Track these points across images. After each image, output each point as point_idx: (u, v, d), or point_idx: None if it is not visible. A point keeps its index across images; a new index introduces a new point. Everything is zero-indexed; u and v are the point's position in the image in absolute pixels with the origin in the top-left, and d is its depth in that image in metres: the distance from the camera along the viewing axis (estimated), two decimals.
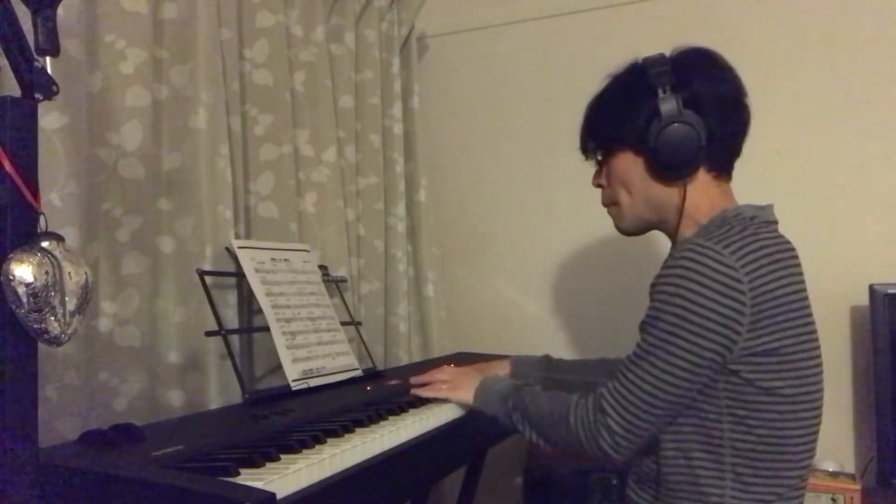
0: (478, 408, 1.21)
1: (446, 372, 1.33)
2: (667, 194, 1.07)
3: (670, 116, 1.01)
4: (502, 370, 1.45)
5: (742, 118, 1.06)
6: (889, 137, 1.75)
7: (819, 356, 1.00)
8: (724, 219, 1.02)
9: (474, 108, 2.24)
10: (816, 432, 1.01)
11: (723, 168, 1.07)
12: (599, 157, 1.14)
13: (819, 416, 1.00)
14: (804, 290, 1.00)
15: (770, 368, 0.94)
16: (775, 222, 1.05)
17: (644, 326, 0.99)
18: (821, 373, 1.00)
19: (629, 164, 1.08)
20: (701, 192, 1.06)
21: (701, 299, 0.92)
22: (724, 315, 0.92)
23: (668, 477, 1.01)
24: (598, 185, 1.16)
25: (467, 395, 1.24)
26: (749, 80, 1.84)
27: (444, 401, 1.26)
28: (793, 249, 1.00)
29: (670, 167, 1.04)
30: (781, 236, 1.01)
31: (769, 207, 1.06)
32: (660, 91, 1.01)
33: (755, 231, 0.97)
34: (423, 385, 1.31)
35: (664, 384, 0.95)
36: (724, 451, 0.96)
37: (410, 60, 2.16)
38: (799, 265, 1.00)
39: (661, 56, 1.05)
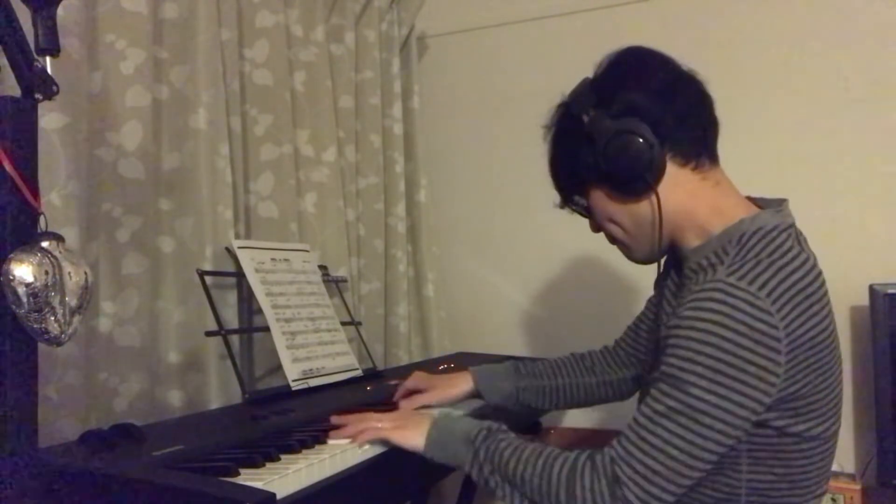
0: (432, 454, 0.98)
1: (378, 416, 1.05)
2: (648, 208, 0.98)
3: (603, 135, 0.94)
4: (464, 385, 1.25)
5: (689, 94, 0.97)
6: (889, 137, 1.75)
7: (840, 383, 0.93)
8: (742, 234, 0.91)
9: (474, 108, 2.24)
10: (833, 459, 0.95)
11: (699, 154, 0.96)
12: (584, 204, 1.06)
13: (836, 443, 0.94)
14: (831, 311, 0.91)
15: (797, 412, 0.87)
16: (793, 223, 0.95)
17: (667, 379, 0.85)
18: (840, 402, 0.93)
19: (600, 198, 1.02)
20: (687, 193, 0.96)
21: (738, 350, 0.81)
22: (762, 367, 0.82)
23: None
24: (596, 231, 1.09)
25: (417, 436, 0.99)
26: (749, 79, 1.86)
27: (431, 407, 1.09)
28: (813, 261, 0.92)
29: (629, 180, 0.95)
30: (798, 244, 0.92)
31: (785, 205, 0.96)
32: (584, 117, 0.97)
33: (783, 258, 0.87)
34: (350, 429, 1.02)
35: (696, 447, 0.83)
36: (741, 490, 0.90)
37: (410, 60, 2.16)
38: (821, 277, 0.91)
39: (583, 81, 1.00)
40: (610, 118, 0.95)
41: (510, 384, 1.28)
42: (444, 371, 1.57)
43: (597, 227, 1.08)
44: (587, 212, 1.07)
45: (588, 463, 0.88)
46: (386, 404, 1.24)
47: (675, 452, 0.83)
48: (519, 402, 1.29)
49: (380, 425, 1.01)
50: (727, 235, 0.93)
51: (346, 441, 1.00)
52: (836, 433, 0.94)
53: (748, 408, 0.83)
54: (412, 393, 1.25)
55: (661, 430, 0.84)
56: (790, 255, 0.88)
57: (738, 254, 0.90)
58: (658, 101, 0.94)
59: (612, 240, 1.08)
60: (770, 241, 0.90)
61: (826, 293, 0.91)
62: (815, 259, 0.93)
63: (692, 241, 0.98)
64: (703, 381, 0.82)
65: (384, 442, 1.01)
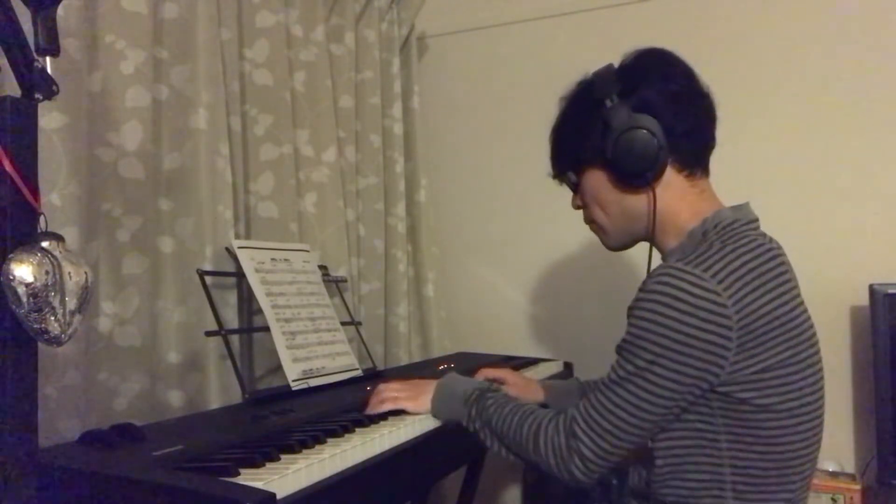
0: (436, 414, 1.12)
1: (397, 383, 1.19)
2: (640, 203, 1.04)
3: (622, 124, 0.99)
4: (536, 395, 1.36)
5: (700, 110, 1.02)
6: (889, 137, 1.75)
7: (818, 363, 0.97)
8: (705, 231, 0.98)
9: (474, 108, 2.24)
10: (818, 442, 0.97)
11: (694, 164, 1.03)
12: (574, 179, 1.11)
13: (820, 425, 0.97)
14: (797, 296, 0.96)
15: (764, 386, 0.90)
16: (755, 220, 1.01)
17: (621, 351, 0.95)
18: (820, 380, 0.96)
19: (596, 180, 1.06)
20: (676, 196, 1.02)
21: (682, 327, 0.88)
22: (708, 342, 0.88)
23: (664, 495, 0.98)
24: (578, 207, 1.15)
25: (427, 401, 1.14)
26: (748, 79, 1.86)
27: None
28: (778, 252, 0.97)
29: (633, 174, 1.01)
30: (764, 238, 0.97)
31: (746, 206, 1.02)
32: (607, 101, 1.00)
33: (737, 244, 0.93)
34: (372, 400, 1.17)
35: (641, 411, 0.92)
36: (724, 469, 0.93)
37: (410, 60, 2.17)
38: (787, 269, 0.96)
39: (608, 66, 1.04)
40: (630, 110, 0.99)
41: (576, 401, 1.33)
42: (445, 371, 1.57)
43: (579, 204, 1.14)
44: (575, 188, 1.13)
45: (553, 421, 1.00)
46: None
47: (623, 415, 0.93)
48: None
49: (396, 395, 1.15)
50: (694, 234, 1.00)
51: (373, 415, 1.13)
52: (817, 410, 0.96)
53: (694, 377, 0.90)
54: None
55: (613, 395, 0.94)
56: (744, 241, 0.94)
57: (697, 248, 0.96)
58: (672, 108, 1.00)
59: (591, 221, 1.13)
60: (730, 231, 0.96)
61: (784, 273, 0.95)
62: (780, 251, 0.98)
63: (671, 242, 1.04)
64: (649, 354, 0.91)
65: (401, 409, 1.14)
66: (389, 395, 1.16)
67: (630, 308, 0.95)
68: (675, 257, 0.98)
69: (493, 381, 1.34)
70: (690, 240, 1.00)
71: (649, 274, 0.95)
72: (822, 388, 0.97)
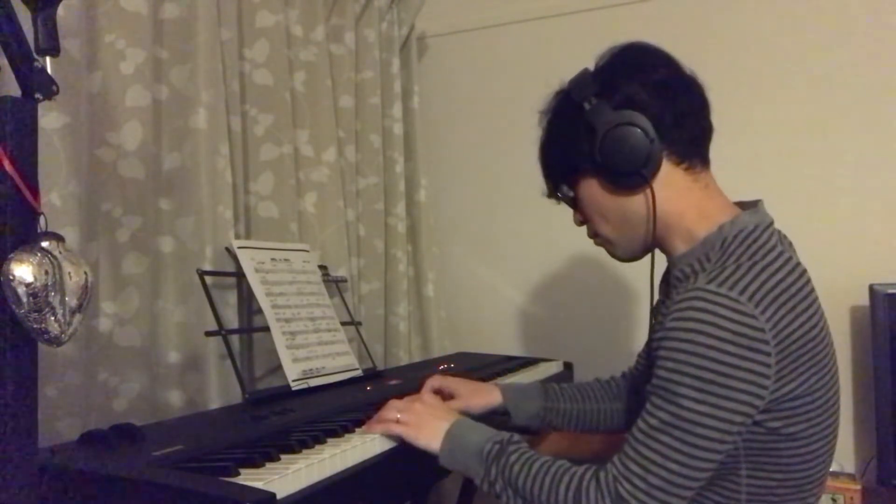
0: (446, 464, 1.00)
1: (401, 405, 1.06)
2: (640, 205, 0.97)
3: (605, 124, 0.93)
4: (491, 398, 1.24)
5: (688, 96, 0.97)
6: (889, 137, 1.75)
7: (836, 383, 0.93)
8: (723, 239, 0.92)
9: (474, 108, 2.24)
10: (831, 461, 0.95)
11: (692, 155, 0.96)
12: (571, 195, 1.05)
13: (835, 444, 0.94)
14: (822, 315, 0.91)
15: (793, 413, 0.86)
16: (772, 221, 0.95)
17: (657, 391, 0.86)
18: (838, 401, 0.93)
19: (592, 189, 1.00)
20: (679, 193, 0.96)
21: (724, 357, 0.81)
22: (751, 370, 0.82)
23: None
24: (581, 223, 1.08)
25: (431, 440, 1.00)
26: (749, 79, 1.86)
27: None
28: (796, 259, 0.92)
29: (626, 174, 0.94)
30: (784, 245, 0.93)
31: (760, 206, 0.97)
32: (586, 105, 0.95)
33: (765, 258, 0.88)
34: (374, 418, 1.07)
35: (693, 459, 0.83)
36: (741, 494, 0.89)
37: (410, 60, 2.17)
38: (812, 285, 0.91)
39: (583, 71, 0.99)
40: (611, 108, 0.94)
41: (537, 405, 1.28)
42: (445, 371, 1.57)
43: (581, 219, 1.08)
44: (573, 203, 1.06)
45: (593, 482, 0.88)
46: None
47: (673, 466, 0.84)
48: (544, 422, 1.29)
49: (399, 416, 1.03)
50: (709, 242, 0.94)
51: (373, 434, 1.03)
52: (834, 430, 0.93)
53: (741, 412, 0.83)
54: (436, 392, 1.23)
55: (658, 444, 0.85)
56: (772, 255, 0.89)
57: (720, 259, 0.90)
58: (659, 97, 0.94)
59: (595, 234, 1.07)
60: (752, 241, 0.91)
61: (812, 290, 0.90)
62: (797, 258, 0.93)
63: (679, 246, 0.98)
64: (692, 391, 0.83)
65: (397, 437, 1.03)
66: (390, 416, 1.04)
67: (660, 339, 0.87)
68: (701, 275, 0.90)
69: (440, 391, 1.24)
70: (706, 248, 0.94)
71: (674, 300, 0.88)
72: (838, 409, 0.94)
